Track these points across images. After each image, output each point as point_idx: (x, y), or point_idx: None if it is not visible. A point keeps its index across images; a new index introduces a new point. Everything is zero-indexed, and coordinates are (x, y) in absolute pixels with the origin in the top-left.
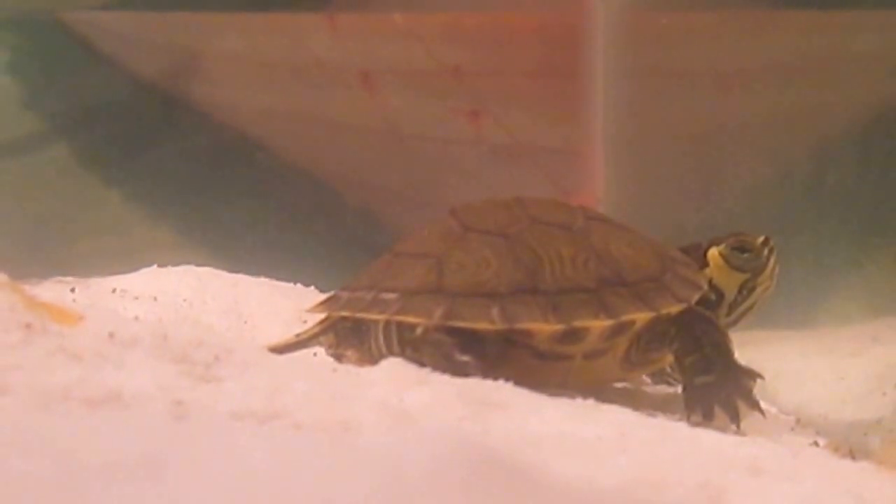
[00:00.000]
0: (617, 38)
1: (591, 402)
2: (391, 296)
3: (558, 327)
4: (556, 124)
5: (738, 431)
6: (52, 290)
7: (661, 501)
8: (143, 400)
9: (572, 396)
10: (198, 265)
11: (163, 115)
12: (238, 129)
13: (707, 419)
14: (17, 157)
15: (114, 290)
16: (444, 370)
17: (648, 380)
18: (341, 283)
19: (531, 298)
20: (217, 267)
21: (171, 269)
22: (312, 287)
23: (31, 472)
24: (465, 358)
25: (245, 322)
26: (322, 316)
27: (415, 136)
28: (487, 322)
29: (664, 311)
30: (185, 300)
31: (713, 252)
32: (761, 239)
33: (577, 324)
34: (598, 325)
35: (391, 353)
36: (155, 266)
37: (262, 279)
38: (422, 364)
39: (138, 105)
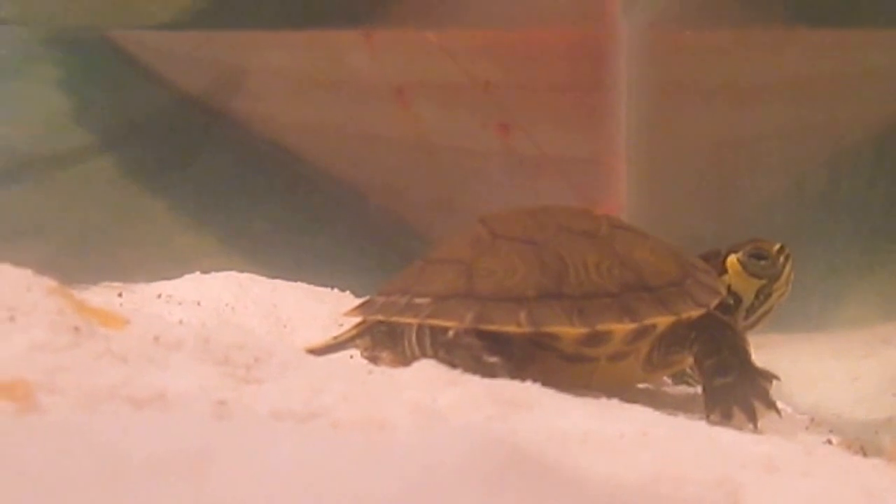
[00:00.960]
0: (639, 54)
1: (614, 401)
2: (424, 300)
3: (583, 330)
4: (581, 136)
5: (756, 430)
6: (99, 295)
7: (681, 496)
8: (186, 400)
9: (597, 396)
10: (239, 271)
11: (206, 128)
12: (278, 141)
13: (726, 418)
14: (67, 168)
15: (159, 296)
16: (474, 371)
17: (669, 381)
18: (376, 288)
19: (557, 303)
20: (257, 273)
21: (213, 276)
22: (348, 292)
23: (79, 469)
24: (494, 359)
25: (284, 326)
26: (358, 319)
27: (447, 148)
28: (515, 325)
29: (685, 316)
30: (226, 305)
31: (732, 259)
32: (777, 246)
33: (601, 327)
34: (622, 328)
35: (424, 355)
36: (198, 272)
37: (300, 284)
38: (453, 365)
39: (183, 119)
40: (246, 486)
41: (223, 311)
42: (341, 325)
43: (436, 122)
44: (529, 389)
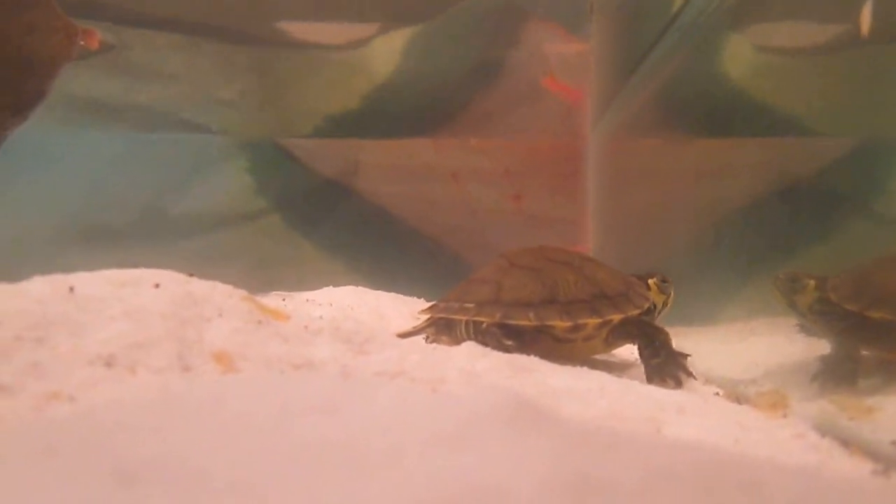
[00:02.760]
0: (600, 154)
1: (585, 368)
2: (469, 305)
3: (569, 323)
4: (564, 204)
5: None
6: (272, 300)
7: (625, 427)
8: (324, 365)
9: (574, 365)
10: (356, 286)
11: (337, 198)
12: (380, 206)
13: (662, 384)
14: (252, 222)
15: (307, 300)
16: (499, 349)
17: (616, 354)
18: (439, 296)
19: (552, 306)
20: (367, 287)
21: (340, 288)
22: (422, 298)
23: (262, 406)
24: (510, 342)
25: (382, 318)
26: (428, 316)
27: (483, 210)
28: (526, 320)
29: (629, 314)
30: (348, 306)
31: (651, 281)
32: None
33: (580, 321)
34: (592, 321)
35: (469, 338)
36: (331, 286)
37: (393, 294)
38: (486, 345)
39: (322, 192)
40: (360, 416)
41: (346, 310)
42: (418, 318)
43: (476, 194)
44: (533, 360)
